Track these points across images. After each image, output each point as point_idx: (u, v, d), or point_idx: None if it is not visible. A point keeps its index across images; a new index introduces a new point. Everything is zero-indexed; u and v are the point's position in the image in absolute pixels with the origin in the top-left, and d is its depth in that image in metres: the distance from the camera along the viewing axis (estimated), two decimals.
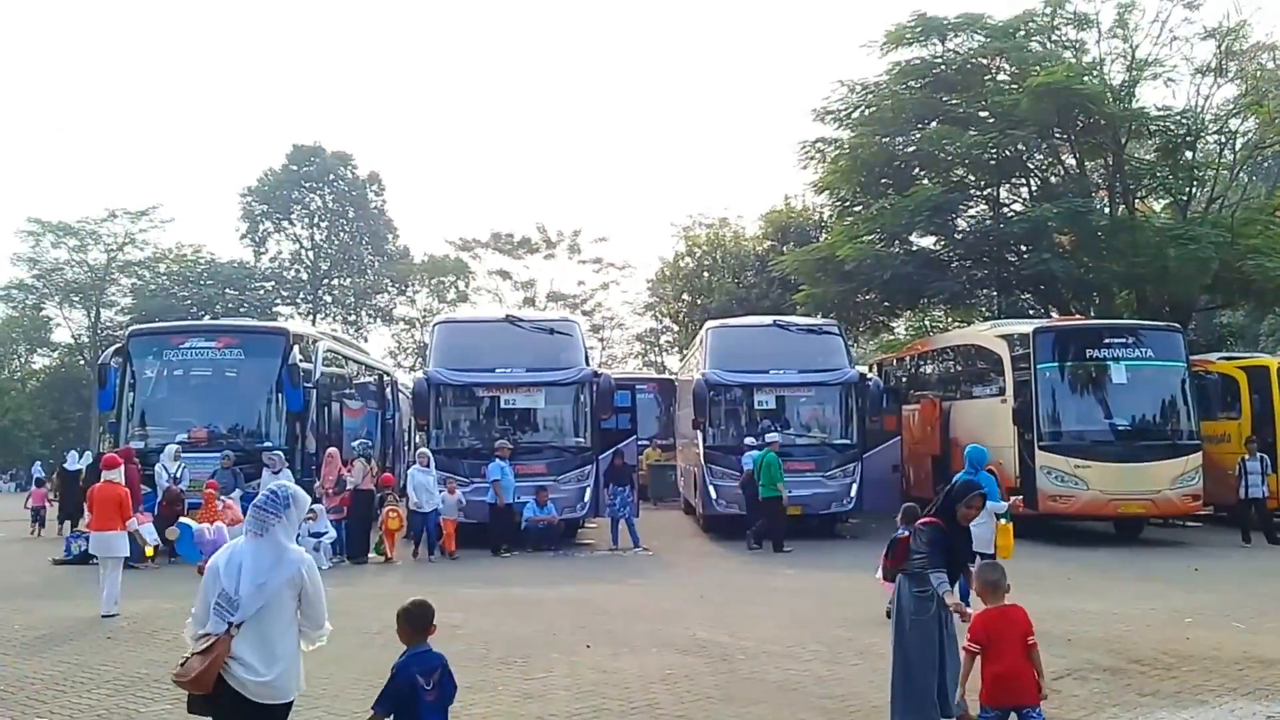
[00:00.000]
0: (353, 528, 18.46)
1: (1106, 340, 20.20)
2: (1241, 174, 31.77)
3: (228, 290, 65.02)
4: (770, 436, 20.19)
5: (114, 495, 12.99)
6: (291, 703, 5.33)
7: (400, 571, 17.34)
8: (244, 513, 16.46)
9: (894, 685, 7.40)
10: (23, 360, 69.95)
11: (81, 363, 63.45)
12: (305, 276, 69.63)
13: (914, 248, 30.90)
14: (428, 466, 18.85)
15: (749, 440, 20.67)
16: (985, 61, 30.44)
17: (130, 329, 22.69)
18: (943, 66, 30.22)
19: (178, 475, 18.29)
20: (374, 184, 71.45)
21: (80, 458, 25.29)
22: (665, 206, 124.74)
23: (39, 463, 39.83)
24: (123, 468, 13.96)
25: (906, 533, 7.44)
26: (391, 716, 5.28)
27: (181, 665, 5.09)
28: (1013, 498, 14.24)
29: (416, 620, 5.48)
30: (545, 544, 19.49)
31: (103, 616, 12.50)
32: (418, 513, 18.66)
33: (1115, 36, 29.36)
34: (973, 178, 31.31)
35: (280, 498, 5.42)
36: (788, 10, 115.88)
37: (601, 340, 62.48)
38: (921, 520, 7.39)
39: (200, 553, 14.07)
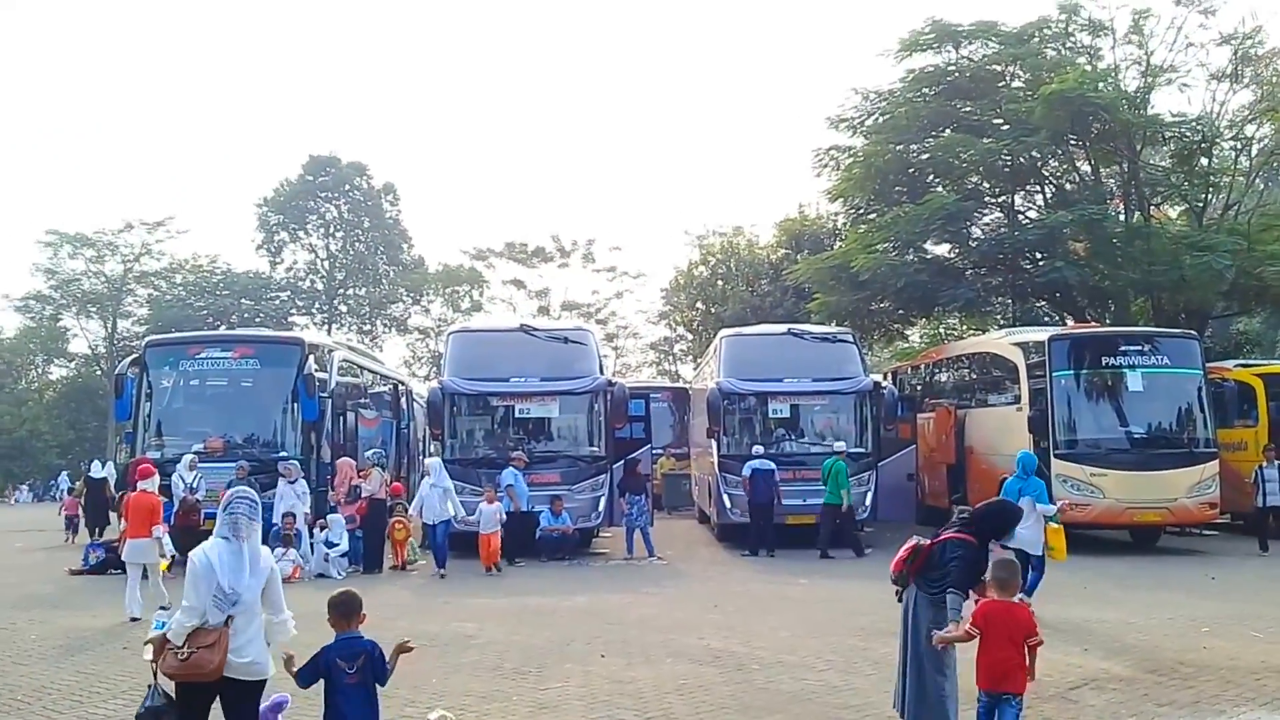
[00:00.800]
0: (368, 538, 18.46)
1: (1122, 348, 20.12)
2: (1258, 180, 31.68)
3: (243, 300, 65.26)
4: (838, 445, 20.42)
5: (148, 504, 13.45)
6: (266, 680, 6.01)
7: (414, 581, 17.33)
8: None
9: (904, 692, 7.36)
10: (40, 371, 70.34)
11: (98, 373, 63.77)
12: (320, 286, 69.81)
13: (928, 256, 30.85)
14: (436, 476, 18.24)
15: (756, 449, 20.66)
16: (1000, 69, 30.44)
17: (147, 339, 22.79)
18: (957, 74, 30.24)
19: (194, 485, 18.34)
20: (389, 194, 71.63)
21: (103, 467, 25.49)
22: (679, 215, 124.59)
23: (66, 473, 40.22)
24: (156, 477, 14.25)
25: (928, 541, 7.35)
26: (325, 699, 5.87)
27: (183, 660, 5.68)
28: (1059, 501, 14.31)
29: (341, 608, 5.99)
30: (560, 553, 19.49)
31: (132, 619, 12.73)
32: (427, 525, 18.22)
33: (1130, 43, 29.32)
34: (987, 185, 31.29)
35: (254, 503, 6.14)
36: (802, 18, 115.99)
37: (616, 349, 62.54)
38: (957, 535, 7.19)
39: None
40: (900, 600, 7.51)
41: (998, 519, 7.41)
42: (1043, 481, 13.29)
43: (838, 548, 19.62)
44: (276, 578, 6.14)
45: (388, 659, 5.99)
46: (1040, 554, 12.65)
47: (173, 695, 6.01)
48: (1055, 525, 12.76)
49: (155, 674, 5.99)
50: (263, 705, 6.23)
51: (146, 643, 6.04)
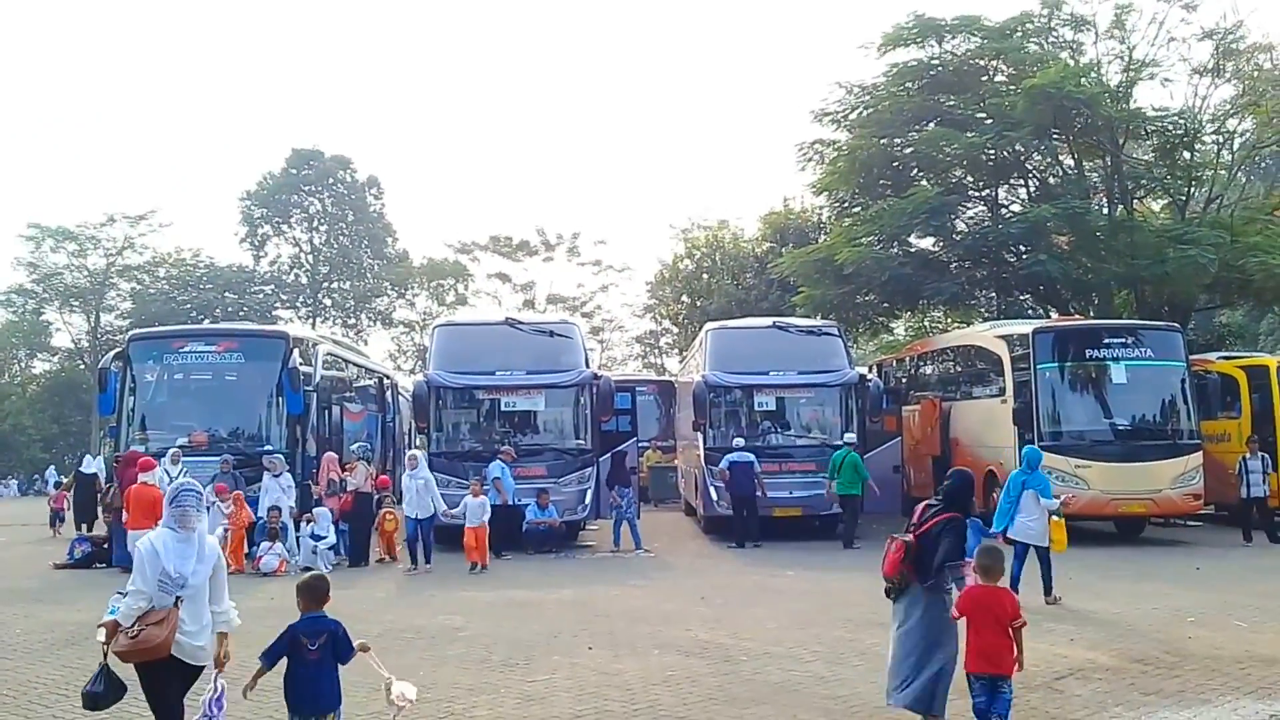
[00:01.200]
0: (354, 531, 18.40)
1: (1106, 340, 20.20)
2: (1240, 174, 31.80)
3: (227, 294, 64.98)
4: (849, 437, 20.45)
5: (150, 496, 13.60)
6: (203, 668, 6.29)
7: (400, 573, 17.27)
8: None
9: (908, 677, 7.42)
10: (23, 365, 69.93)
11: (82, 367, 63.40)
12: (305, 280, 69.60)
13: (913, 249, 30.86)
14: (416, 469, 17.87)
15: (737, 441, 20.65)
16: (983, 63, 30.44)
17: (130, 333, 22.66)
18: (940, 68, 30.21)
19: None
20: (373, 188, 71.42)
21: (94, 461, 25.41)
22: (664, 209, 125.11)
23: (53, 467, 40.16)
24: (158, 469, 14.27)
25: (912, 536, 7.50)
26: (286, 672, 6.20)
27: (133, 638, 5.96)
28: (1064, 494, 14.58)
29: (310, 592, 6.36)
30: (546, 546, 19.45)
31: None
32: (408, 519, 17.74)
33: (1112, 37, 29.39)
34: (971, 179, 31.30)
35: (199, 494, 6.50)
36: (785, 12, 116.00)
37: (601, 342, 62.58)
38: (945, 515, 7.50)
39: None
40: (892, 598, 7.60)
41: (965, 489, 7.82)
42: (1046, 476, 13.51)
43: (825, 538, 19.72)
44: (222, 568, 6.42)
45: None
46: (1046, 545, 12.88)
47: (121, 681, 6.30)
48: (1058, 519, 12.99)
49: (105, 656, 6.20)
50: (209, 697, 6.38)
51: (100, 626, 6.26)
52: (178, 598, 6.01)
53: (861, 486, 19.92)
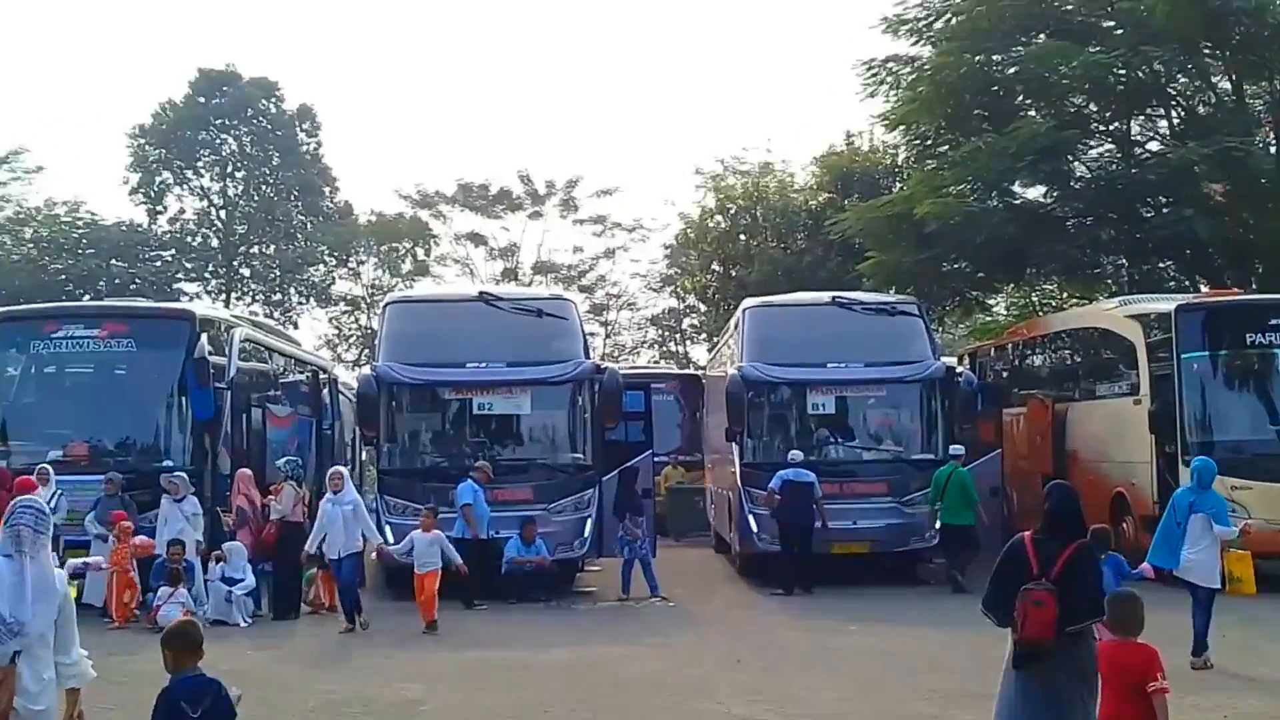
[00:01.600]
0: (280, 572, 18.37)
1: (1272, 321, 20.13)
2: None
3: (115, 262, 65.11)
4: (955, 449, 20.55)
5: None
6: None
7: (340, 627, 17.20)
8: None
9: None
10: None
11: None
12: (216, 243, 69.78)
13: (1017, 201, 30.87)
14: (340, 491, 17.13)
15: (794, 454, 20.53)
16: None
17: None
18: None
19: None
20: (305, 121, 71.48)
21: None
22: (689, 150, 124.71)
23: None
24: (41, 489, 14.43)
25: (1050, 585, 7.61)
26: None
27: None
28: (1244, 522, 14.57)
29: (181, 641, 6.45)
30: (533, 592, 19.49)
31: None
32: (330, 560, 17.19)
33: None
34: (1095, 108, 31.26)
35: (45, 514, 6.53)
36: None
37: (606, 325, 62.62)
38: (1073, 546, 7.67)
39: None
40: (1023, 667, 7.64)
41: (1071, 505, 8.08)
42: (1222, 496, 13.49)
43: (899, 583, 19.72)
44: (70, 607, 6.50)
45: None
46: (1217, 587, 12.87)
47: None
48: (1239, 551, 12.98)
49: None
50: None
51: None
52: (16, 652, 6.08)
53: (974, 514, 19.94)
